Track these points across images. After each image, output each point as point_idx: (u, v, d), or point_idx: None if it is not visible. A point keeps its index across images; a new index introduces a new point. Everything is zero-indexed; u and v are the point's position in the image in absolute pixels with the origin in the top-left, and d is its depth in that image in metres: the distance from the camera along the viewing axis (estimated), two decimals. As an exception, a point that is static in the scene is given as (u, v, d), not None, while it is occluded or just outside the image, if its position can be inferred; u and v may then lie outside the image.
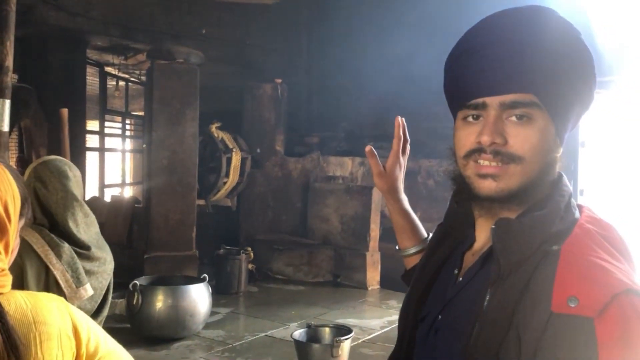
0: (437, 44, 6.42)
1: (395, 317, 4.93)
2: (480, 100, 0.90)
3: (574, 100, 0.91)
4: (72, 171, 2.04)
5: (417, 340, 1.02)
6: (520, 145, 0.88)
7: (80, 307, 1.55)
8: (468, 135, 0.92)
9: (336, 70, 7.23)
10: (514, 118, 0.88)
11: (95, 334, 1.12)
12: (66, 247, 1.89)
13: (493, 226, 0.90)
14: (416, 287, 1.06)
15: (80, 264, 1.91)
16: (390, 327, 4.61)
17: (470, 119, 0.92)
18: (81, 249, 1.94)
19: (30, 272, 1.79)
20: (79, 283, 1.90)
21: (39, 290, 1.74)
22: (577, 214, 0.92)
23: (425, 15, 6.55)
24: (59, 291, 1.84)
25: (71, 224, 1.92)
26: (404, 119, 1.37)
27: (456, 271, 1.00)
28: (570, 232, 0.87)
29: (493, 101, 0.89)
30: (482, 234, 0.98)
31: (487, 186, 0.90)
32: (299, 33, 7.82)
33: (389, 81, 6.77)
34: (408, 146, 1.39)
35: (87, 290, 1.92)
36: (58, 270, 1.87)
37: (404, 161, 1.37)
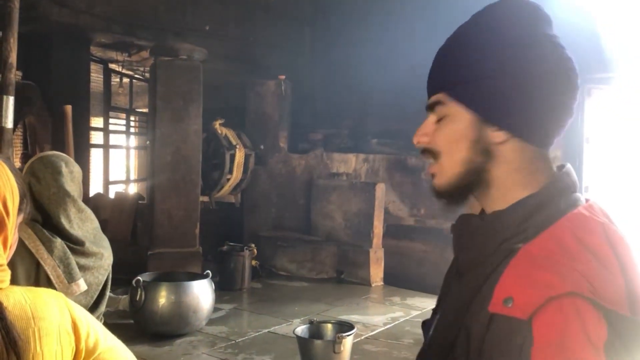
0: (442, 39, 6.41)
1: (398, 313, 4.93)
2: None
3: (500, 94, 0.85)
4: (69, 167, 2.04)
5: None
6: (438, 140, 0.90)
7: None
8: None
9: (340, 66, 7.22)
10: (435, 118, 0.91)
11: (95, 330, 1.12)
12: (58, 243, 1.89)
13: (453, 223, 0.91)
14: (439, 299, 1.06)
15: (73, 260, 1.92)
16: (393, 324, 4.61)
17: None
18: (75, 244, 1.94)
19: (20, 267, 1.80)
20: (71, 278, 1.90)
21: (28, 285, 1.75)
22: (563, 212, 0.84)
23: (430, 10, 6.52)
24: (50, 286, 1.85)
25: (63, 220, 1.92)
26: None
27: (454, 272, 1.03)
28: (543, 231, 0.82)
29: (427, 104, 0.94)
30: None
31: (432, 184, 0.93)
32: (302, 29, 7.81)
33: (393, 77, 6.75)
34: None
35: (80, 286, 1.92)
36: (49, 266, 1.87)
37: None
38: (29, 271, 1.82)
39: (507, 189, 0.87)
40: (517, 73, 0.85)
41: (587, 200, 0.89)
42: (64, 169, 2.03)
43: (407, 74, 6.73)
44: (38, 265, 1.87)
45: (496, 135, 0.87)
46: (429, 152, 0.92)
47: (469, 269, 0.85)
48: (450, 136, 0.89)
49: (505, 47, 0.86)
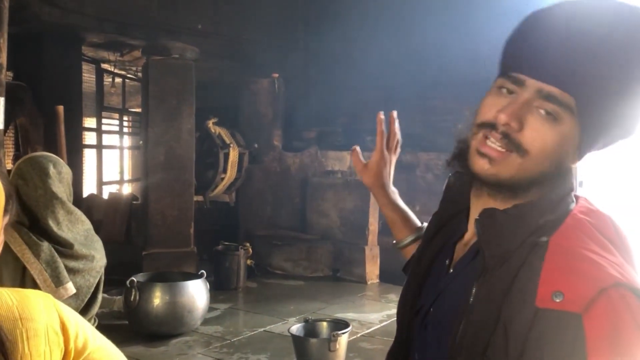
0: (434, 37, 6.43)
1: (394, 310, 4.92)
2: (522, 77, 0.84)
3: (615, 122, 0.84)
4: (57, 168, 2.01)
5: (414, 334, 1.00)
6: (531, 139, 0.82)
7: None
8: (492, 106, 0.87)
9: (334, 64, 7.21)
10: (542, 111, 0.82)
11: (84, 330, 1.10)
12: (45, 246, 1.86)
13: (477, 217, 0.87)
14: (412, 279, 1.03)
15: (61, 263, 1.88)
16: (389, 321, 4.61)
17: (504, 90, 0.87)
18: (63, 246, 1.91)
19: (5, 271, 1.77)
20: (58, 282, 1.87)
21: None
22: (572, 205, 0.87)
23: (425, 5, 6.52)
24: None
25: (51, 222, 1.89)
26: (383, 117, 1.35)
27: (447, 261, 0.97)
28: (562, 223, 0.83)
29: (532, 84, 0.83)
30: (473, 224, 0.94)
31: (480, 165, 0.86)
32: (295, 27, 7.79)
33: (387, 74, 6.75)
34: (397, 142, 1.38)
35: (68, 289, 1.89)
36: (35, 270, 1.84)
37: (390, 156, 1.37)
38: (14, 275, 1.80)
39: (544, 191, 0.87)
40: (627, 122, 0.83)
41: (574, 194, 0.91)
42: (52, 170, 2.00)
43: (401, 70, 6.74)
44: (24, 270, 1.84)
45: (575, 162, 0.87)
46: (511, 141, 0.83)
47: (496, 264, 0.82)
48: (551, 144, 0.82)
49: (633, 87, 0.80)
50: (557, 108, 0.82)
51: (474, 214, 0.94)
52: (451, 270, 0.95)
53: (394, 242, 1.39)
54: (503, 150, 0.84)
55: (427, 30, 6.41)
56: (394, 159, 1.39)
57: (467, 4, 6.02)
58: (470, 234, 0.95)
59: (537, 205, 0.85)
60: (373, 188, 1.38)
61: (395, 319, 1.08)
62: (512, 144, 0.83)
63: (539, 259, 0.80)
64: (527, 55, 0.85)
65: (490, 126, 0.85)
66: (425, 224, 1.35)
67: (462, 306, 0.84)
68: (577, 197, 0.90)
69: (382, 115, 1.34)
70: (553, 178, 0.87)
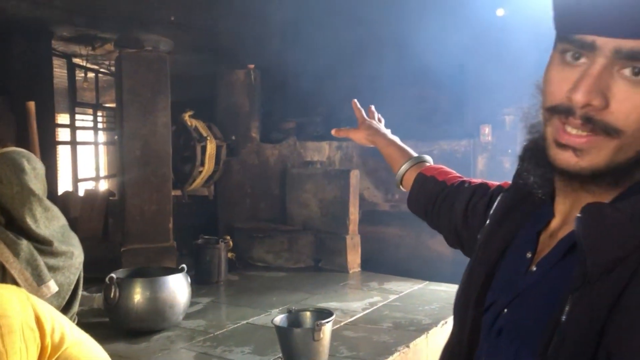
0: (412, 26, 6.42)
1: (376, 298, 4.94)
2: (588, 38, 0.65)
3: None
4: (32, 164, 1.96)
5: (482, 332, 0.83)
6: (624, 114, 0.64)
7: None
8: (561, 82, 0.68)
9: (311, 53, 7.16)
10: (628, 72, 0.64)
11: (60, 324, 1.07)
12: (24, 244, 1.81)
13: (579, 215, 0.68)
14: (478, 266, 0.86)
15: (41, 261, 1.83)
16: (371, 309, 4.62)
17: (569, 56, 0.68)
18: (42, 244, 1.86)
19: None
20: (40, 281, 1.82)
21: None
22: None
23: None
24: None
25: (29, 220, 1.83)
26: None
27: (529, 255, 0.80)
28: None
29: (606, 44, 0.64)
30: (563, 210, 0.78)
31: (564, 159, 0.69)
32: (271, 17, 7.72)
33: (364, 63, 6.74)
34: (375, 114, 1.53)
35: (50, 288, 1.85)
36: (15, 269, 1.79)
37: (376, 118, 1.52)
38: None
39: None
40: None
41: None
42: (27, 166, 1.94)
43: (378, 59, 6.72)
44: (3, 269, 1.79)
45: None
46: (597, 124, 0.66)
47: (601, 275, 0.65)
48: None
49: None
50: None
51: (562, 203, 0.78)
52: (534, 268, 0.78)
53: (396, 178, 1.43)
54: (590, 135, 0.67)
55: (405, 19, 6.41)
56: (378, 119, 1.53)
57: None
58: (558, 222, 0.79)
59: None
60: (373, 135, 1.47)
61: (453, 310, 0.93)
62: (600, 127, 0.66)
63: None
64: (587, 6, 0.65)
65: (565, 111, 0.68)
66: (427, 157, 1.40)
67: (552, 320, 0.68)
68: None
69: (355, 100, 1.50)
70: None
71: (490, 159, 6.22)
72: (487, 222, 0.92)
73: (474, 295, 0.84)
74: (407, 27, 6.34)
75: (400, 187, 1.44)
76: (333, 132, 1.56)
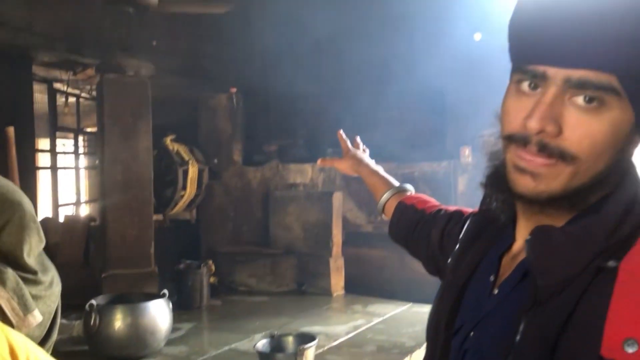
0: (393, 51, 6.51)
1: (360, 321, 4.92)
2: (540, 68, 0.68)
3: None
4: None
5: (451, 355, 0.84)
6: (577, 141, 0.67)
7: (28, 335, 1.47)
8: (517, 111, 0.71)
9: (292, 77, 7.23)
10: (580, 101, 0.66)
11: (35, 356, 1.06)
12: (10, 273, 1.78)
13: (528, 238, 0.72)
14: (448, 291, 0.88)
15: (26, 290, 1.81)
16: (355, 332, 4.60)
17: (524, 86, 0.71)
18: (27, 273, 1.84)
19: None
20: (26, 310, 1.79)
21: None
22: None
23: (382, 22, 6.61)
24: (5, 320, 1.74)
25: (25, 248, 1.80)
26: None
27: (492, 278, 0.82)
28: (635, 243, 0.67)
29: (556, 74, 0.67)
30: (524, 234, 0.79)
31: (523, 184, 0.72)
32: (252, 41, 7.78)
33: (345, 87, 6.81)
34: (360, 145, 1.60)
35: (36, 317, 1.82)
36: (3, 298, 1.76)
37: (360, 149, 1.59)
38: None
39: (608, 192, 0.71)
40: None
41: None
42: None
43: (361, 82, 6.79)
44: None
45: (636, 145, 0.71)
46: (552, 150, 0.68)
47: (551, 296, 0.67)
48: (602, 140, 0.66)
49: None
50: (596, 93, 0.66)
51: (523, 227, 0.80)
52: (496, 291, 0.80)
53: (378, 206, 1.48)
54: (547, 161, 0.69)
55: (386, 43, 6.51)
56: (362, 150, 1.60)
57: (423, 19, 6.13)
58: (519, 247, 0.81)
59: (604, 219, 0.68)
60: (358, 166, 1.53)
61: (426, 333, 0.94)
62: (555, 153, 0.69)
63: (605, 290, 0.64)
64: (538, 39, 0.68)
65: (522, 139, 0.70)
66: (408, 186, 1.46)
67: (508, 340, 0.70)
68: None
69: (341, 131, 1.56)
70: (616, 174, 0.71)
71: (471, 180, 6.28)
72: (457, 246, 0.95)
73: (444, 318, 0.86)
74: (388, 51, 6.44)
75: (382, 215, 1.47)
76: (319, 162, 1.67)
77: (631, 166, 0.73)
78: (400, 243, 1.40)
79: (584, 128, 0.66)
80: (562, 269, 0.67)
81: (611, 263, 0.65)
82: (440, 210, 1.27)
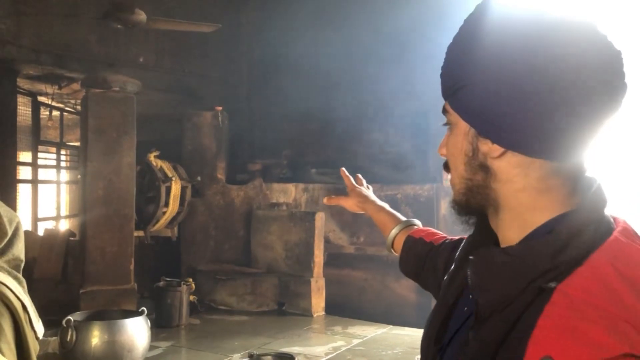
0: (378, 74, 6.60)
1: (340, 342, 4.90)
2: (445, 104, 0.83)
3: (487, 97, 0.73)
4: None
5: None
6: (448, 152, 0.83)
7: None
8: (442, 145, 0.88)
9: (278, 96, 7.27)
10: (448, 126, 0.83)
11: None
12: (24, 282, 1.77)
13: (470, 257, 0.76)
14: (439, 308, 0.92)
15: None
16: (334, 354, 4.58)
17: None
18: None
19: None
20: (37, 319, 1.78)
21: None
22: (599, 238, 0.70)
23: (366, 36, 6.70)
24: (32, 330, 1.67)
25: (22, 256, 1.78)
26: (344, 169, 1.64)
27: (471, 296, 0.83)
28: (580, 264, 0.67)
29: (446, 106, 0.82)
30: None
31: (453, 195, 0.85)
32: (239, 60, 7.85)
33: (330, 108, 6.86)
34: (364, 182, 1.63)
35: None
36: (31, 308, 1.72)
37: (364, 186, 1.61)
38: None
39: (518, 212, 0.75)
40: (511, 76, 0.70)
41: (615, 220, 0.74)
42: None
43: (344, 104, 6.86)
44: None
45: (491, 149, 0.75)
46: (446, 165, 0.85)
47: (491, 314, 0.70)
48: (452, 149, 0.81)
49: (506, 45, 0.71)
50: (448, 117, 0.81)
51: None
52: (465, 308, 0.84)
53: (387, 242, 1.48)
54: (447, 175, 0.85)
55: (372, 67, 6.59)
56: (365, 186, 1.61)
57: (404, 39, 6.23)
58: None
59: (551, 240, 0.70)
60: (364, 203, 1.54)
61: (420, 350, 0.98)
62: (446, 168, 0.85)
63: (538, 309, 0.65)
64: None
65: (445, 164, 0.86)
66: (415, 220, 1.46)
67: (461, 355, 0.74)
68: (615, 221, 0.74)
69: (343, 169, 1.63)
70: (510, 189, 0.75)
71: (453, 203, 6.34)
72: (453, 265, 0.98)
73: (433, 335, 0.89)
74: (373, 75, 6.52)
75: (392, 250, 1.48)
76: (325, 200, 1.65)
77: (594, 186, 0.75)
78: (411, 277, 1.39)
79: (449, 144, 0.82)
80: (501, 287, 0.70)
81: (551, 284, 0.67)
82: (446, 240, 1.30)
